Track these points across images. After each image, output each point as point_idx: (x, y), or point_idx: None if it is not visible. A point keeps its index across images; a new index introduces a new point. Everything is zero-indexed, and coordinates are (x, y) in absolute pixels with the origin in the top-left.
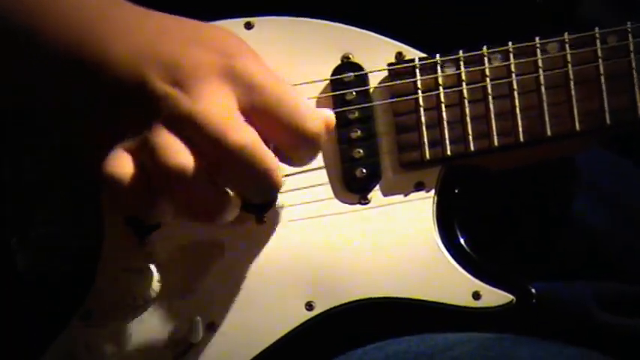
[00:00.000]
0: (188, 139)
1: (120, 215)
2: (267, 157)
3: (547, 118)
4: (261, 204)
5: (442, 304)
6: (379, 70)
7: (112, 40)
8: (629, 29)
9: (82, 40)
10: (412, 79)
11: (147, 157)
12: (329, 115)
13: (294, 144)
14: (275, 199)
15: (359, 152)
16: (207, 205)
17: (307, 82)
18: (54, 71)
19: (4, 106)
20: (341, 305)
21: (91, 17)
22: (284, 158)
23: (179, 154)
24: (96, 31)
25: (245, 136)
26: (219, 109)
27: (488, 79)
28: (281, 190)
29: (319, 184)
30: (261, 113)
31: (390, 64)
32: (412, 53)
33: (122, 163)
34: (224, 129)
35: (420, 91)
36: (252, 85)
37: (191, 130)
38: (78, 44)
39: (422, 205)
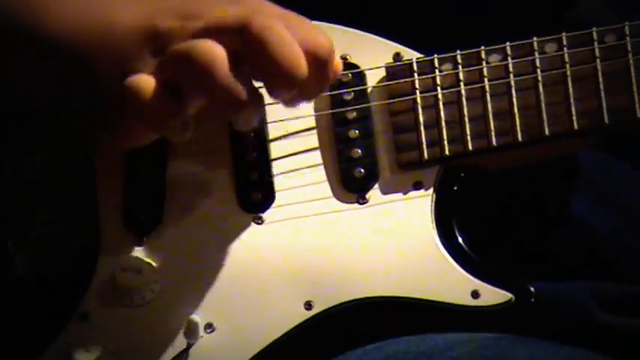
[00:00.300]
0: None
1: (142, 129)
2: (290, 38)
3: (545, 118)
4: (260, 203)
5: (441, 302)
6: (376, 69)
7: (119, 13)
8: (627, 28)
9: (83, 28)
10: (410, 79)
11: (169, 64)
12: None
13: (309, 58)
14: (272, 194)
15: (357, 152)
16: (231, 95)
17: None
18: (54, 70)
19: (4, 106)
20: (340, 304)
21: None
22: None
23: (203, 42)
24: (101, 16)
25: (271, 19)
26: (236, 8)
27: (486, 79)
28: (279, 190)
29: (317, 184)
30: None
31: (387, 65)
32: (410, 54)
33: (144, 77)
34: (247, 14)
35: (417, 91)
36: (263, 9)
37: (214, 31)
38: (76, 35)
39: (420, 205)
